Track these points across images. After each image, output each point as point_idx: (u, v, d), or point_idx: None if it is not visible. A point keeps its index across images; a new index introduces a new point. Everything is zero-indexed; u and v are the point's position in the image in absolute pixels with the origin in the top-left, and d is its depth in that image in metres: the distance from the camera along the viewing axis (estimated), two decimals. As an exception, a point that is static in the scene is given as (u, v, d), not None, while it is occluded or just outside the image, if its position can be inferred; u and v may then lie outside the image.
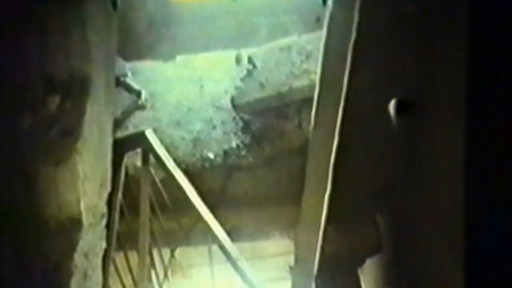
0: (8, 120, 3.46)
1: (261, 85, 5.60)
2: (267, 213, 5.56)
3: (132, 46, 5.92)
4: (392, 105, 2.76)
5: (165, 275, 5.50)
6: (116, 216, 5.10)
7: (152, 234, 5.24)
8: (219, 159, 5.46)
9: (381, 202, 3.13)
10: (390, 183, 3.01)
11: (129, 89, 5.75)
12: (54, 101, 3.57)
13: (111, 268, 5.12)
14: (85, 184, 3.75)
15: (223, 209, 5.23)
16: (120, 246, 5.26)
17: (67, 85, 3.67)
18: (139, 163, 5.30)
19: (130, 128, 5.63)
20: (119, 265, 5.26)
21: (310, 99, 4.80)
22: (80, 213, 3.38)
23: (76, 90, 3.75)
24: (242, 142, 5.49)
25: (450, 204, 2.21)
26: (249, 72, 5.76)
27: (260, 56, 5.81)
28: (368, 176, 3.31)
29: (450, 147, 2.23)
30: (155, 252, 5.40)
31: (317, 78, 4.70)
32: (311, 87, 4.90)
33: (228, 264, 4.82)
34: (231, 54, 5.97)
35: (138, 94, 5.75)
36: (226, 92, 5.72)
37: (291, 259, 5.40)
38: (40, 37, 3.54)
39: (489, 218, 2.07)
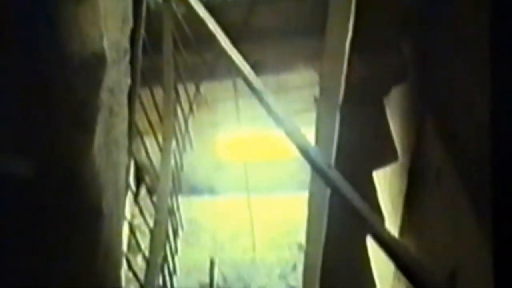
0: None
1: None
2: (291, 45, 5.54)
3: None
4: None
5: (191, 109, 5.56)
6: (139, 52, 5.09)
7: (176, 69, 5.25)
8: (241, -8, 5.41)
9: (406, 30, 3.11)
10: (416, 10, 2.97)
11: None
12: None
13: (137, 104, 5.17)
14: (107, 20, 3.72)
15: (246, 43, 5.19)
16: (145, 82, 5.29)
17: None
18: (160, -2, 5.26)
19: (149, -36, 5.56)
20: (144, 101, 5.30)
21: None
22: (103, 49, 3.36)
23: None
24: (264, -26, 5.42)
25: (476, 33, 2.19)
26: None
27: None
28: (393, 4, 3.27)
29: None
30: (180, 87, 5.44)
31: None
32: None
33: (253, 98, 4.84)
34: None
35: None
36: None
37: (316, 90, 5.41)
38: None
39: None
